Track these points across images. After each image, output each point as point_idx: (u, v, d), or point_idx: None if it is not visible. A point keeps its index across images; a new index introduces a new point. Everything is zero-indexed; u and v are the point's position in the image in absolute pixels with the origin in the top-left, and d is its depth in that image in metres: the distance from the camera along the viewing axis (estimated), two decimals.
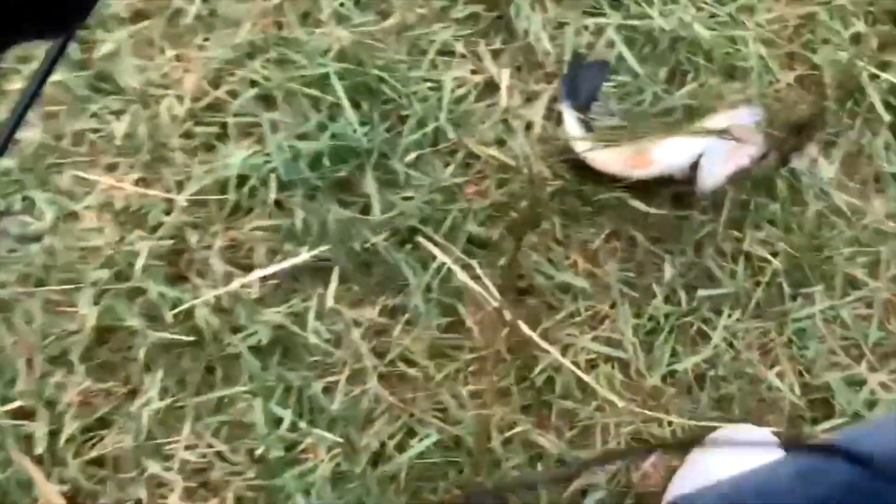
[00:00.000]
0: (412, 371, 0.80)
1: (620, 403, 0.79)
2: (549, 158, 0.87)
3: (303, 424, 0.77)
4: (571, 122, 0.86)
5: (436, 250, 0.82)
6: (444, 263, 0.81)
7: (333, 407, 0.78)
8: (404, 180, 0.84)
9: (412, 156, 0.85)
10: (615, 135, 0.83)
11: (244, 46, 0.90)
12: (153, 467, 0.77)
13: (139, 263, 0.81)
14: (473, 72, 0.90)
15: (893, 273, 0.83)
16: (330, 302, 0.81)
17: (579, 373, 0.80)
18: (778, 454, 0.75)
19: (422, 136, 0.86)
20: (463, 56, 0.91)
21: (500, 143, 0.88)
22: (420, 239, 0.82)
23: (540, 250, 0.84)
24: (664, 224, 0.85)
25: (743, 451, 0.75)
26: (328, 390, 0.79)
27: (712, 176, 0.79)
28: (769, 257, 0.83)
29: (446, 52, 0.91)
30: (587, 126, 0.85)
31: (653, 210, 0.84)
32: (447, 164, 0.86)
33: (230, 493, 0.77)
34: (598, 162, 0.84)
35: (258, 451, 0.77)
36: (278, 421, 0.78)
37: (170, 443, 0.78)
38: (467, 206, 0.84)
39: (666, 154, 0.80)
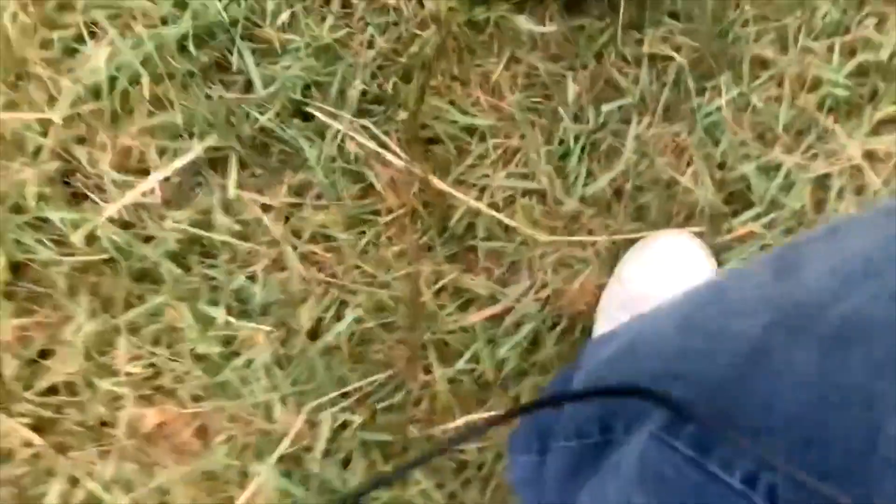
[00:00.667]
0: (332, 245, 0.80)
1: (541, 236, 0.79)
2: None
3: (234, 318, 0.78)
4: None
5: (328, 118, 0.78)
6: (339, 130, 0.78)
7: (261, 295, 0.79)
8: (280, 47, 0.79)
9: (283, 17, 0.79)
10: None
11: None
12: (104, 385, 0.79)
13: (31, 192, 0.78)
14: None
15: (802, 44, 0.80)
16: (233, 192, 0.79)
17: (497, 214, 0.79)
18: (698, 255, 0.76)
19: None
20: None
21: None
22: (310, 109, 0.79)
23: (439, 93, 0.81)
24: (561, 39, 0.80)
25: (666, 259, 0.77)
26: (253, 280, 0.80)
27: None
28: (672, 54, 0.79)
29: None
30: None
31: (546, 28, 0.79)
32: (323, 19, 0.80)
33: (185, 394, 0.80)
34: None
35: (199, 351, 0.79)
36: (210, 320, 0.79)
37: (113, 359, 0.80)
38: (353, 62, 0.80)
39: None
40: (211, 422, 0.81)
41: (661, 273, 0.74)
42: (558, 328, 0.80)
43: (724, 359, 0.35)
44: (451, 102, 0.80)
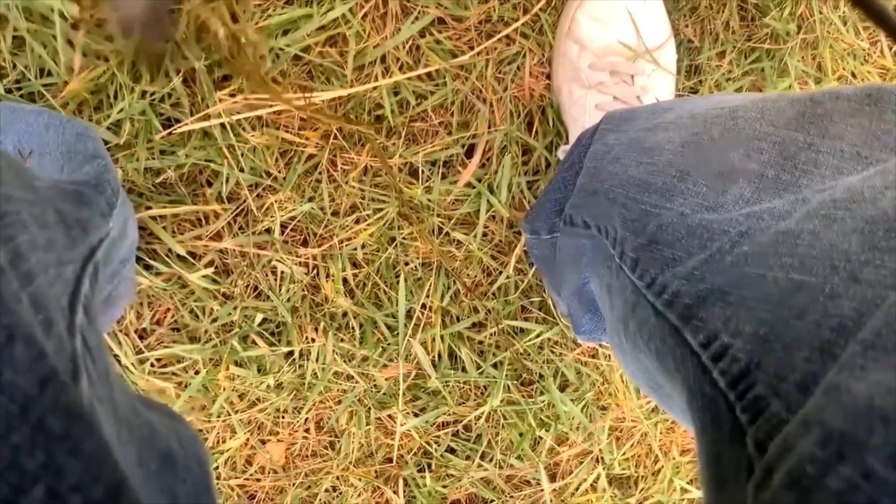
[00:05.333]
0: (301, 220, 0.74)
1: (465, 58, 0.72)
2: None
3: (275, 340, 0.76)
4: None
5: (201, 122, 0.67)
6: (223, 122, 0.68)
7: (283, 305, 0.75)
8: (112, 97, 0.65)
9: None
10: None
11: None
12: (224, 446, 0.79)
13: None
14: None
15: None
16: (178, 248, 0.71)
17: (413, 72, 0.72)
18: None
19: None
20: None
21: None
22: (183, 128, 0.67)
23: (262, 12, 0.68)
24: None
25: (619, 6, 0.71)
26: (266, 299, 0.75)
27: None
28: None
29: None
30: None
31: None
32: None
33: (288, 418, 0.80)
34: None
35: (273, 384, 0.77)
36: (259, 359, 0.76)
37: (209, 431, 0.79)
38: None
39: None
40: (323, 417, 0.82)
41: (619, 19, 0.69)
42: (534, 125, 0.77)
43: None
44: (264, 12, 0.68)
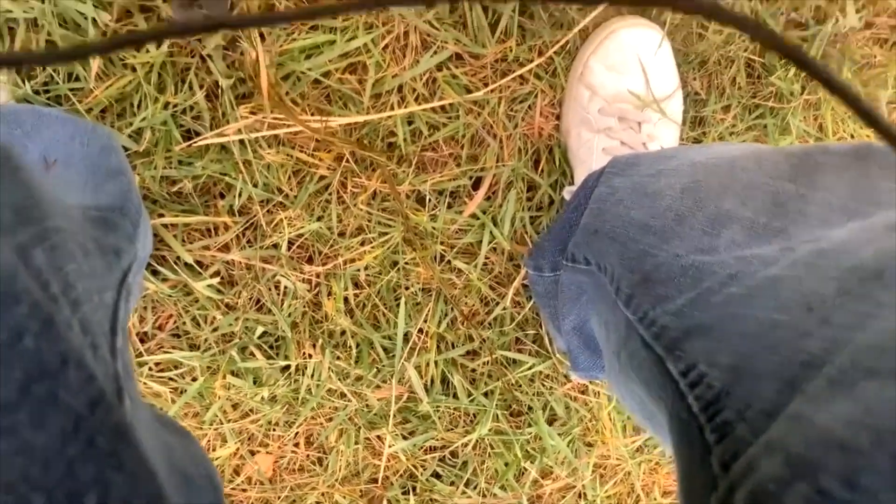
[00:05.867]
0: (308, 238, 0.76)
1: (479, 94, 0.75)
2: None
3: (273, 353, 0.77)
4: None
5: (219, 138, 0.69)
6: (242, 139, 0.70)
7: (284, 320, 0.77)
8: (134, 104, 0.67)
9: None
10: None
11: None
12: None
13: None
14: None
15: None
16: (187, 257, 0.73)
17: (428, 104, 0.74)
18: None
19: None
20: None
21: None
22: (203, 141, 0.70)
23: (288, 37, 0.71)
24: None
25: (631, 54, 0.73)
26: (268, 312, 0.77)
27: None
28: None
29: None
30: None
31: None
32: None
33: (279, 431, 0.81)
34: None
35: (267, 396, 0.79)
36: (256, 370, 0.77)
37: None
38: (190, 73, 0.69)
39: None
40: (313, 432, 0.83)
41: (630, 69, 0.72)
42: (541, 164, 0.79)
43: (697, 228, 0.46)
44: (290, 34, 0.71)
